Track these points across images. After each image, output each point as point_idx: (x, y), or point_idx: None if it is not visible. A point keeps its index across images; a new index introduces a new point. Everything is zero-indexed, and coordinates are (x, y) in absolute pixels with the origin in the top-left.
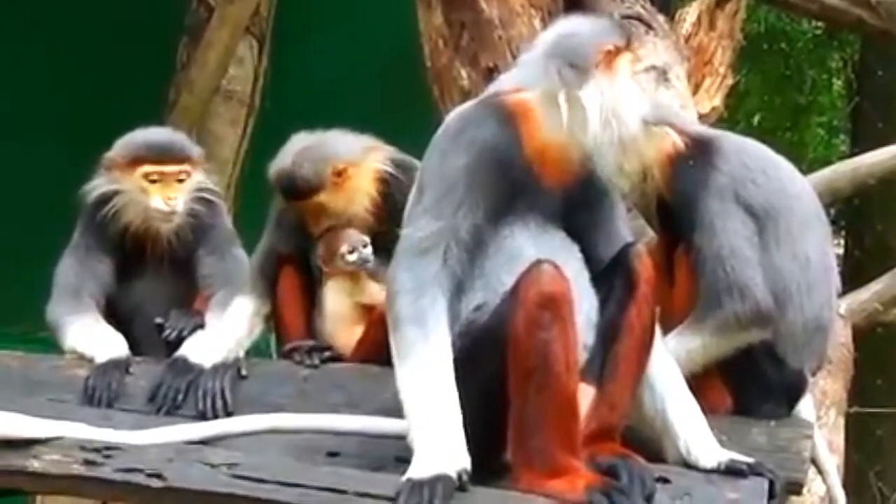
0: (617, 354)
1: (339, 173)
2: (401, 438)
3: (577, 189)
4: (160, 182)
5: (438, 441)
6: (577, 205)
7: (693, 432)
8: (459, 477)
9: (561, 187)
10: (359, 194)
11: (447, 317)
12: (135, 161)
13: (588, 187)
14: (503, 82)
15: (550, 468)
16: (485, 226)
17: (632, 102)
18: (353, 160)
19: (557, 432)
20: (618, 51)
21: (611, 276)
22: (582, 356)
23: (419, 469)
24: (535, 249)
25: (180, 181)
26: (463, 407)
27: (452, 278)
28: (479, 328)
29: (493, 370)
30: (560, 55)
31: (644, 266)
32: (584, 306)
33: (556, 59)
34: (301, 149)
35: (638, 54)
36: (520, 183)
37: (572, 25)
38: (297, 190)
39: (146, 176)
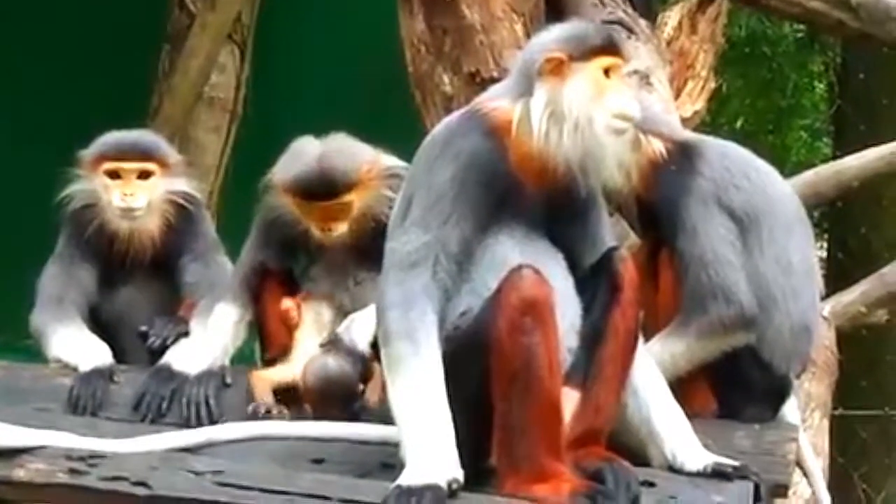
0: (601, 358)
1: (370, 170)
2: (385, 445)
3: (560, 197)
4: (121, 179)
5: (430, 451)
6: (560, 212)
7: (678, 437)
8: (449, 486)
9: (544, 195)
10: (382, 195)
11: (437, 329)
12: (98, 158)
13: (570, 195)
14: (489, 93)
15: (535, 473)
16: (472, 235)
17: (583, 109)
18: (376, 161)
19: (542, 437)
20: (568, 59)
21: (595, 280)
22: (566, 361)
23: (409, 477)
24: (521, 256)
25: (142, 178)
26: (471, 413)
27: (442, 290)
28: (462, 333)
29: (477, 375)
30: (519, 65)
31: (627, 270)
32: (568, 311)
33: (517, 68)
34: (325, 150)
35: (613, 60)
36: (505, 193)
37: (543, 33)
38: (331, 187)
39: (107, 172)
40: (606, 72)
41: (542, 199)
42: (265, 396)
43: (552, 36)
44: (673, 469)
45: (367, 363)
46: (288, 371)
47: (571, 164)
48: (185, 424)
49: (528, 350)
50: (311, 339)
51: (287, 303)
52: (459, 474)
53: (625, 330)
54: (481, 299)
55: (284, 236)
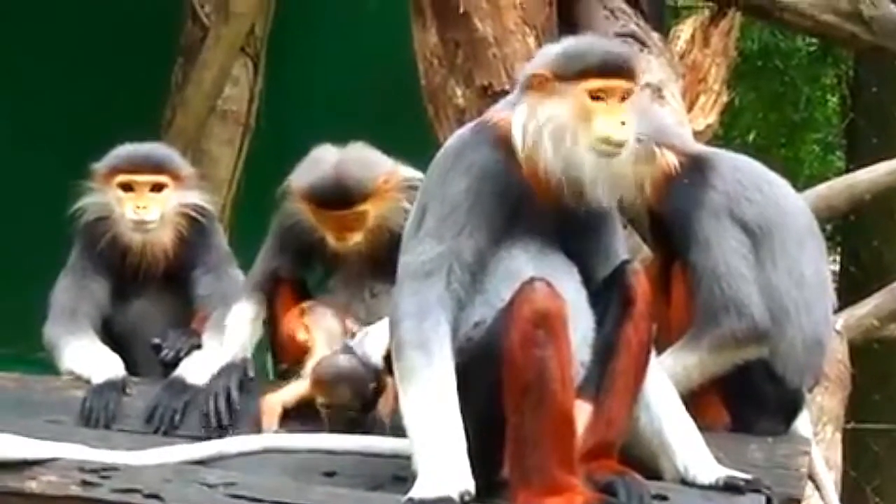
0: (614, 371)
1: (387, 181)
2: (397, 458)
3: (570, 208)
4: (134, 192)
5: (442, 463)
6: (572, 224)
7: (690, 450)
8: (462, 499)
9: (554, 207)
10: (398, 206)
11: (451, 340)
12: (111, 171)
13: (580, 206)
14: (500, 103)
15: (547, 486)
16: (486, 247)
17: (560, 129)
18: (394, 171)
19: (554, 450)
20: (553, 77)
21: (607, 294)
22: (579, 373)
23: (421, 489)
24: (534, 269)
25: (155, 191)
26: (484, 425)
27: (456, 301)
28: (475, 345)
29: (490, 387)
30: (520, 76)
31: (640, 283)
32: (581, 324)
33: (519, 80)
34: (343, 159)
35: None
36: (518, 205)
37: (550, 46)
38: (347, 197)
39: (120, 185)
40: (595, 94)
41: (552, 211)
42: (272, 422)
43: (551, 51)
44: (685, 482)
45: (380, 376)
46: (301, 386)
47: (559, 179)
48: (207, 417)
49: (540, 363)
50: (324, 350)
51: (302, 335)
52: (471, 486)
53: (637, 343)
54: (494, 310)
55: (301, 244)
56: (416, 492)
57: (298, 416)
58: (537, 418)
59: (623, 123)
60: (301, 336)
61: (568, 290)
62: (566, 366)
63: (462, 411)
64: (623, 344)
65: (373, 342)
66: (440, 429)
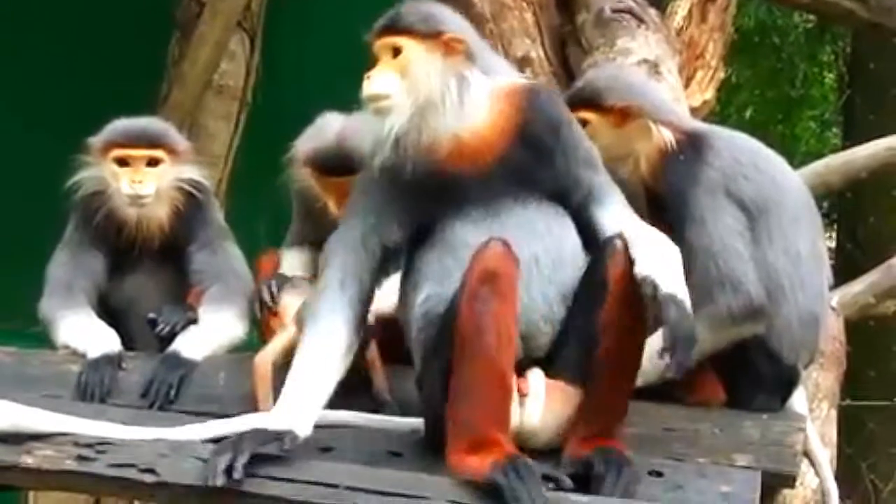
0: (598, 358)
1: None
2: (394, 433)
3: (507, 159)
4: (130, 166)
5: (285, 408)
6: (516, 173)
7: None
8: (282, 436)
9: (486, 167)
10: None
11: (348, 309)
12: (107, 145)
13: (518, 152)
14: None
15: (472, 441)
16: (398, 228)
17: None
18: None
19: (483, 404)
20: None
21: (587, 273)
22: (550, 331)
23: (260, 422)
24: (480, 233)
25: (151, 165)
26: (432, 394)
27: (367, 274)
28: (435, 317)
29: (449, 354)
30: None
31: (615, 265)
32: (559, 275)
33: None
34: (346, 126)
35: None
36: (434, 182)
37: None
38: (346, 164)
39: (116, 159)
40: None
41: (485, 173)
42: (267, 386)
43: None
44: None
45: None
46: (285, 336)
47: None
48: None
49: (479, 317)
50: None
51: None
52: (300, 432)
53: (618, 328)
54: (440, 283)
55: (308, 209)
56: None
57: (287, 366)
58: (471, 372)
59: (367, 78)
60: (283, 304)
61: (533, 245)
62: (506, 326)
63: (432, 382)
64: (601, 330)
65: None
66: (299, 383)
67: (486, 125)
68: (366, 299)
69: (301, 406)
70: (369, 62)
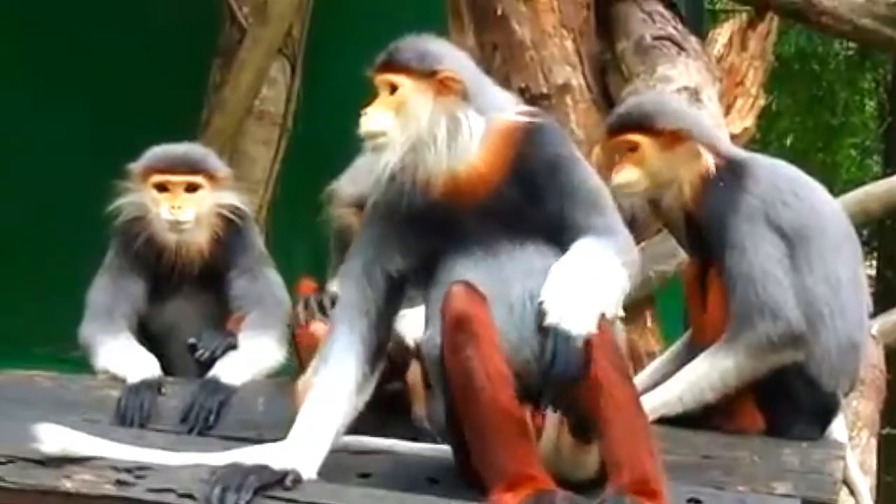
0: (598, 417)
1: None
2: (431, 460)
3: (502, 197)
4: (169, 192)
5: (291, 448)
6: (511, 212)
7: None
8: (286, 477)
9: (481, 205)
10: None
11: (358, 347)
12: (146, 171)
13: (513, 190)
14: None
15: (508, 482)
16: (416, 255)
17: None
18: None
19: (499, 444)
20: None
21: None
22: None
23: (268, 460)
24: (479, 273)
25: (190, 191)
26: (447, 426)
27: (373, 309)
28: (436, 357)
29: (450, 398)
30: None
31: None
32: None
33: None
34: None
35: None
36: (432, 217)
37: None
38: None
39: (156, 185)
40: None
41: (481, 210)
42: None
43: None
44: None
45: (408, 355)
46: None
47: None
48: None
49: (465, 364)
50: None
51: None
52: (304, 473)
53: (607, 384)
54: (437, 326)
55: (347, 246)
56: (265, 460)
57: None
58: (476, 417)
59: (364, 114)
60: (321, 330)
61: (527, 282)
62: (493, 362)
63: (451, 419)
64: (593, 387)
65: (407, 323)
66: (306, 423)
67: (481, 162)
68: (377, 328)
69: (307, 446)
70: (370, 96)
